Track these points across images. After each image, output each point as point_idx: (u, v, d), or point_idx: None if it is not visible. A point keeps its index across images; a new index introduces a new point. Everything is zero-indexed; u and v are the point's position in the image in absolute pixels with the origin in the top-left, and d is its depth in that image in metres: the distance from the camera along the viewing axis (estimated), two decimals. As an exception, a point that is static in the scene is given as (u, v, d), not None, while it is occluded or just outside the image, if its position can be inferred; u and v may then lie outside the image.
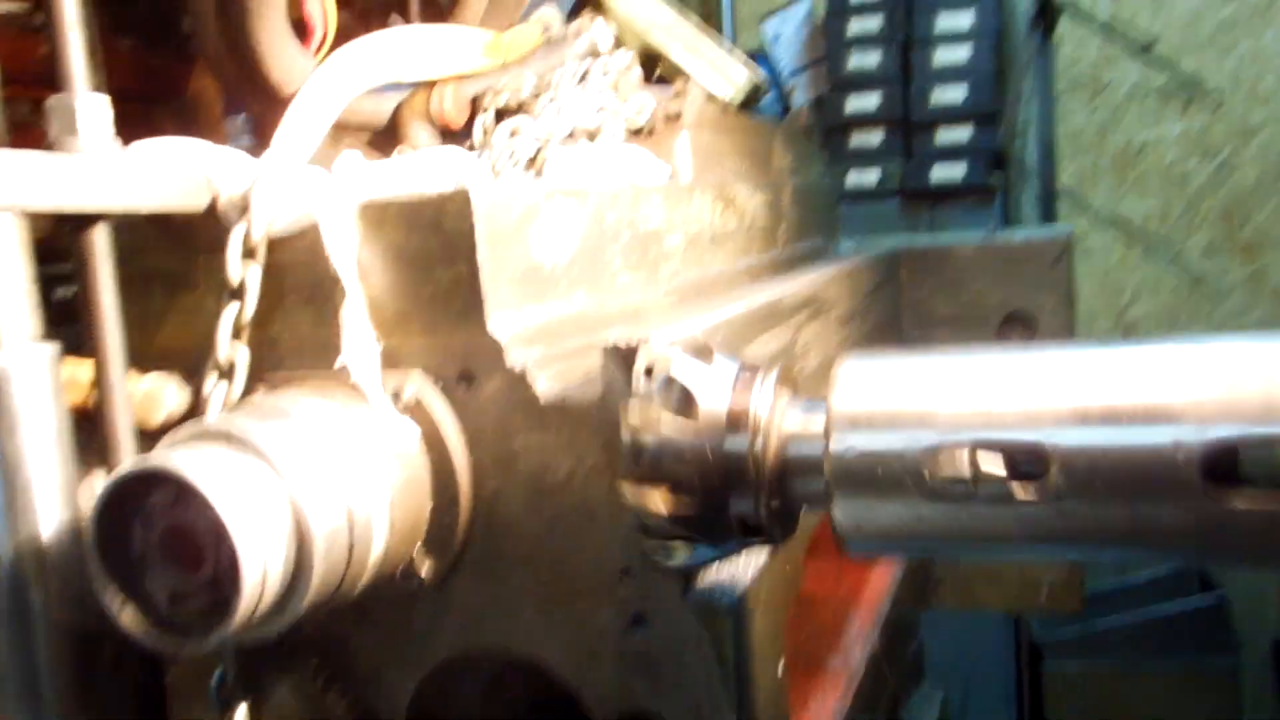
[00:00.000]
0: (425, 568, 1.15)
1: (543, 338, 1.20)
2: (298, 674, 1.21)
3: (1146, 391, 0.85)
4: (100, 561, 0.94)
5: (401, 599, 1.19)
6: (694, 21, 2.27)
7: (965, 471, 0.90)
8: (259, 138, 1.93)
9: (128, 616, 0.95)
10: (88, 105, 1.01)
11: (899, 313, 2.61)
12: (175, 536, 0.94)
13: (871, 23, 4.76)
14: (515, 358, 1.12)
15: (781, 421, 0.98)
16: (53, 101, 1.00)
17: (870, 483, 0.92)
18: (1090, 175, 5.71)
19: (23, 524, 0.96)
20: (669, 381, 0.97)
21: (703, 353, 1.00)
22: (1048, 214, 5.19)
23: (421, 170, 1.30)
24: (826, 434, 0.94)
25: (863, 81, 4.77)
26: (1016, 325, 2.71)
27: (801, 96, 5.33)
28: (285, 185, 1.14)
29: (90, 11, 2.05)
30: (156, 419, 1.12)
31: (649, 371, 0.98)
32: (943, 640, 4.49)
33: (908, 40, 4.72)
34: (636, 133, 1.84)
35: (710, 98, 1.97)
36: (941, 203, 4.81)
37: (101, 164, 0.99)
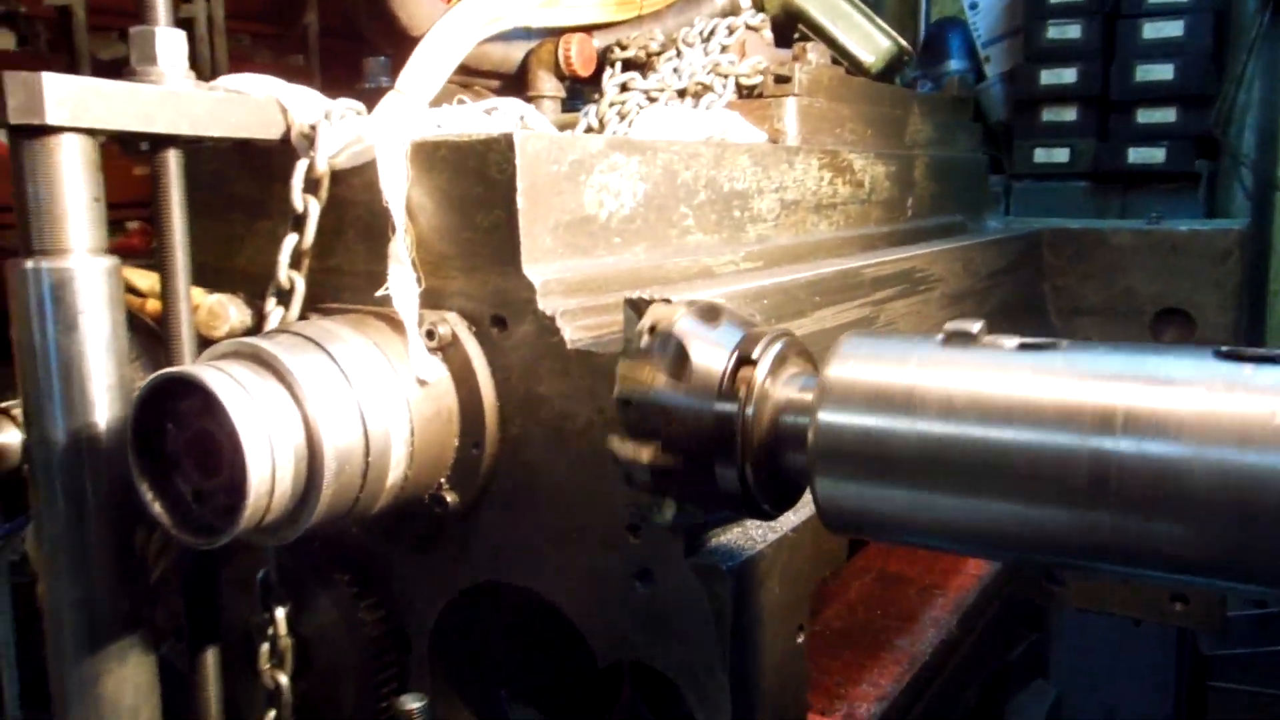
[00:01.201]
0: (451, 499, 1.20)
1: (586, 288, 1.22)
2: (336, 586, 1.29)
3: (1163, 404, 0.79)
4: (136, 455, 1.03)
5: (431, 526, 1.25)
6: (837, -17, 2.21)
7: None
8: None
9: (157, 508, 1.03)
10: (165, 38, 1.09)
11: (1039, 298, 2.48)
12: (201, 441, 1.02)
13: (1078, -9, 4.47)
14: (546, 305, 1.15)
15: (777, 391, 0.97)
16: (134, 32, 1.08)
17: (853, 461, 0.90)
18: (1318, 169, 5.20)
19: (78, 414, 1.06)
20: (667, 338, 0.97)
21: (711, 315, 1.00)
22: (1262, 208, 4.78)
23: (482, 117, 1.33)
24: (814, 406, 0.92)
25: (1060, 54, 4.49)
26: (1173, 322, 2.53)
27: (996, 66, 5.08)
28: (350, 122, 1.19)
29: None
30: (219, 332, 1.21)
31: (652, 329, 0.98)
32: (1090, 642, 4.29)
33: (1114, 12, 4.41)
34: (749, 93, 1.82)
35: (832, 63, 1.92)
36: (1136, 188, 4.50)
37: (170, 92, 1.07)
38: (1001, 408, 0.84)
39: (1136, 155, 4.42)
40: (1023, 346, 0.88)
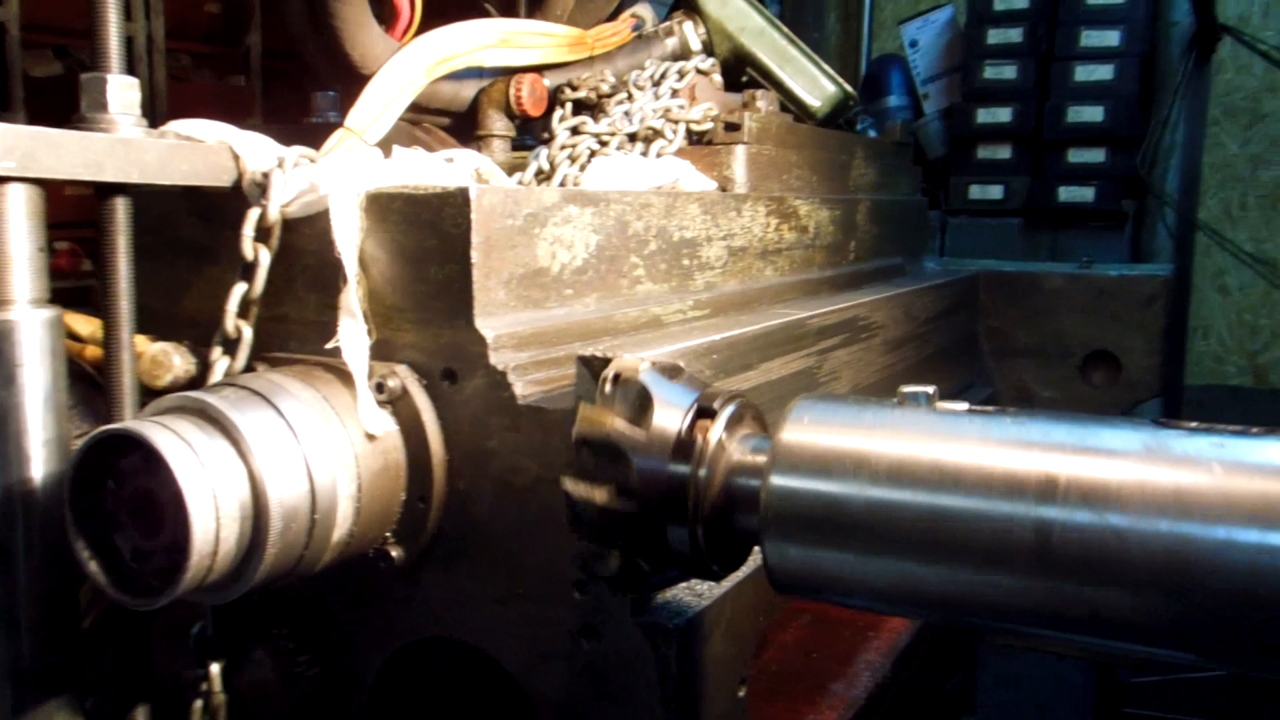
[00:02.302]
0: (396, 554, 1.19)
1: (537, 341, 1.22)
2: (274, 638, 1.27)
3: (1095, 473, 0.82)
4: (72, 512, 1.00)
5: (374, 580, 1.23)
6: (785, 31, 2.25)
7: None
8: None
9: (93, 567, 1.01)
10: (117, 85, 1.07)
11: (974, 341, 2.54)
12: (142, 499, 1.00)
13: (1013, 33, 4.60)
14: (498, 359, 1.14)
15: (730, 454, 0.98)
16: (85, 79, 1.06)
17: (802, 525, 0.92)
18: (1236, 210, 5.40)
19: (13, 468, 1.03)
20: (630, 386, 0.97)
21: (673, 373, 1.00)
22: (1183, 247, 4.94)
23: (438, 167, 1.33)
24: (766, 469, 0.93)
25: (996, 93, 4.61)
26: (1101, 364, 2.60)
27: (934, 103, 5.19)
28: (303, 170, 1.18)
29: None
30: (162, 381, 1.19)
31: (616, 378, 0.98)
32: (1014, 676, 4.37)
33: (1049, 54, 4.55)
34: (699, 139, 1.83)
35: (780, 109, 1.95)
36: (1067, 226, 4.63)
37: (121, 140, 1.05)
38: (950, 474, 0.86)
39: (1067, 194, 4.55)
40: (971, 412, 0.90)
